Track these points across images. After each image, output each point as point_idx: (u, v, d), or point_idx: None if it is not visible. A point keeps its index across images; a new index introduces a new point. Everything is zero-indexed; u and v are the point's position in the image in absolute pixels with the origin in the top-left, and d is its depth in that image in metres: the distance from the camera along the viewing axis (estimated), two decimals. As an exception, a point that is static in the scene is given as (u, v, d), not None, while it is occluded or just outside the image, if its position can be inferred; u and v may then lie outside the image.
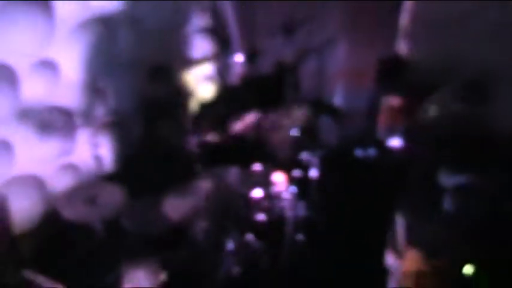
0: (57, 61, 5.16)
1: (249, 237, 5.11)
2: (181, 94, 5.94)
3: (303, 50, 6.53)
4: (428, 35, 6.60)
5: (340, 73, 6.61)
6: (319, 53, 6.56)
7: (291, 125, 5.67)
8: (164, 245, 4.72)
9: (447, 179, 4.01)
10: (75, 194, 4.53)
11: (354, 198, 4.76)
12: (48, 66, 5.07)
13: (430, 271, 3.93)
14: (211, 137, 5.91)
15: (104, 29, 5.58)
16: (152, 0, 5.93)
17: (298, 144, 5.66)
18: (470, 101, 5.21)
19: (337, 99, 6.78)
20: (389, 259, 4.17)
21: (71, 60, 5.30)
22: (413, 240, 3.92)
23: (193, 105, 6.73)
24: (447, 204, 3.97)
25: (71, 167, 5.59)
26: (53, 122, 5.19)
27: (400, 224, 4.09)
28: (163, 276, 3.59)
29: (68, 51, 5.25)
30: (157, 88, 5.34)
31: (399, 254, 4.03)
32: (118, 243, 4.48)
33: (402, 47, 6.83)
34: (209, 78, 6.88)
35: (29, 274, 4.06)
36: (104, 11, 5.50)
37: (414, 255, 3.83)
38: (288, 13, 6.51)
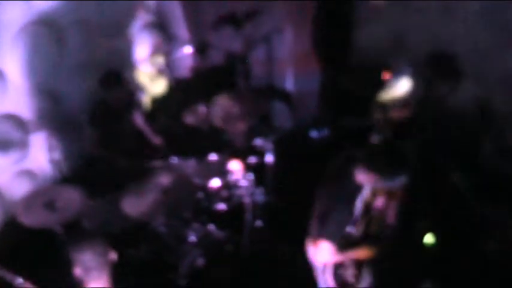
0: (3, 68, 5.10)
1: (211, 227, 5.18)
2: (134, 93, 5.91)
3: (251, 39, 6.58)
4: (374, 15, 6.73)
5: (288, 58, 6.68)
6: (266, 40, 6.61)
7: (244, 113, 5.72)
8: (126, 242, 4.75)
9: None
10: (33, 199, 4.49)
11: (312, 180, 4.82)
12: (-6, 73, 5.03)
13: (349, 263, 4.02)
14: (166, 131, 5.94)
15: (49, 31, 5.54)
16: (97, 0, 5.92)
17: (252, 131, 5.72)
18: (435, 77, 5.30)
19: (288, 84, 6.86)
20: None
21: (18, 65, 5.25)
22: (324, 232, 3.81)
23: (146, 102, 6.74)
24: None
25: (27, 173, 5.57)
26: (8, 133, 5.15)
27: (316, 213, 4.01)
28: (113, 256, 3.60)
29: (13, 57, 5.20)
30: (111, 92, 5.31)
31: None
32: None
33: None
34: (160, 73, 6.88)
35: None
36: (47, 14, 5.45)
37: (325, 248, 3.75)
38: (234, 3, 6.56)
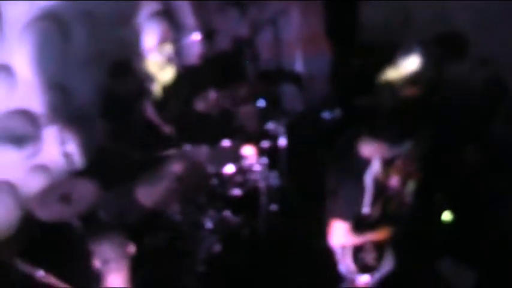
0: (11, 64, 5.10)
1: (226, 212, 5.18)
2: (144, 82, 5.91)
3: (257, 23, 6.54)
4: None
5: (296, 40, 6.63)
6: (273, 23, 6.56)
7: (254, 97, 5.71)
8: (143, 231, 4.77)
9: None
10: (48, 194, 4.51)
11: (325, 162, 4.80)
12: (3, 70, 5.02)
13: (369, 245, 3.98)
14: (177, 119, 5.93)
15: (55, 25, 5.53)
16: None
17: (264, 115, 5.71)
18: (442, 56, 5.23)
19: (297, 66, 6.81)
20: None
21: (26, 61, 5.25)
22: (337, 212, 3.71)
23: (157, 91, 6.72)
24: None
25: (41, 167, 5.58)
26: (19, 128, 5.17)
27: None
28: (132, 248, 3.61)
29: (21, 53, 5.20)
30: (120, 83, 5.30)
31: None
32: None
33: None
34: (168, 61, 6.86)
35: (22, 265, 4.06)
36: (52, 8, 5.44)
37: (340, 229, 3.68)
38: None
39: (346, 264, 3.99)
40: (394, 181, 3.79)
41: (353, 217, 3.66)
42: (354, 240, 3.80)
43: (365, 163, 3.60)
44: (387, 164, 3.66)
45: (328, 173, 3.89)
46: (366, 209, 3.69)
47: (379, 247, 3.98)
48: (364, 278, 3.98)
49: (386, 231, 3.86)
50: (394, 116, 4.09)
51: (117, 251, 3.60)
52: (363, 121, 4.48)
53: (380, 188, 3.69)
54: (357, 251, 3.94)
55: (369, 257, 3.97)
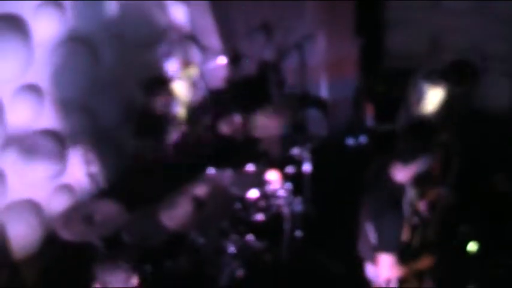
0: (39, 84, 5.15)
1: (249, 237, 5.14)
2: (171, 104, 5.92)
3: (283, 47, 6.54)
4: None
5: (322, 65, 6.61)
6: (299, 48, 6.56)
7: (280, 122, 5.68)
8: (165, 254, 4.74)
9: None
10: (72, 214, 4.50)
11: (350, 188, 4.73)
12: (31, 90, 5.07)
13: (411, 275, 3.86)
14: (202, 142, 5.92)
15: (84, 47, 5.59)
16: (129, 14, 5.97)
17: (289, 140, 5.67)
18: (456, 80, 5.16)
19: (322, 91, 6.79)
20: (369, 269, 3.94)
21: (53, 81, 5.30)
22: (382, 244, 3.56)
23: (182, 113, 6.74)
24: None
25: (66, 188, 5.61)
26: (38, 146, 5.19)
27: (367, 227, 3.73)
28: (135, 281, 3.57)
29: (49, 73, 5.25)
30: (155, 99, 5.30)
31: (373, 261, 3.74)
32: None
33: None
34: (194, 85, 6.88)
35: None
36: (81, 30, 5.51)
37: (387, 261, 3.53)
38: (265, 13, 6.54)
39: None
40: (423, 205, 3.74)
41: (398, 248, 3.53)
42: (401, 271, 3.68)
43: (401, 190, 3.52)
44: (418, 188, 3.60)
45: (364, 204, 3.78)
46: (406, 238, 3.60)
47: (420, 275, 3.89)
48: None
49: (429, 259, 3.77)
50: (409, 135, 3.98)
51: (118, 279, 3.58)
52: (387, 148, 4.44)
53: (415, 214, 3.62)
54: (400, 281, 3.84)
55: (412, 286, 3.88)
